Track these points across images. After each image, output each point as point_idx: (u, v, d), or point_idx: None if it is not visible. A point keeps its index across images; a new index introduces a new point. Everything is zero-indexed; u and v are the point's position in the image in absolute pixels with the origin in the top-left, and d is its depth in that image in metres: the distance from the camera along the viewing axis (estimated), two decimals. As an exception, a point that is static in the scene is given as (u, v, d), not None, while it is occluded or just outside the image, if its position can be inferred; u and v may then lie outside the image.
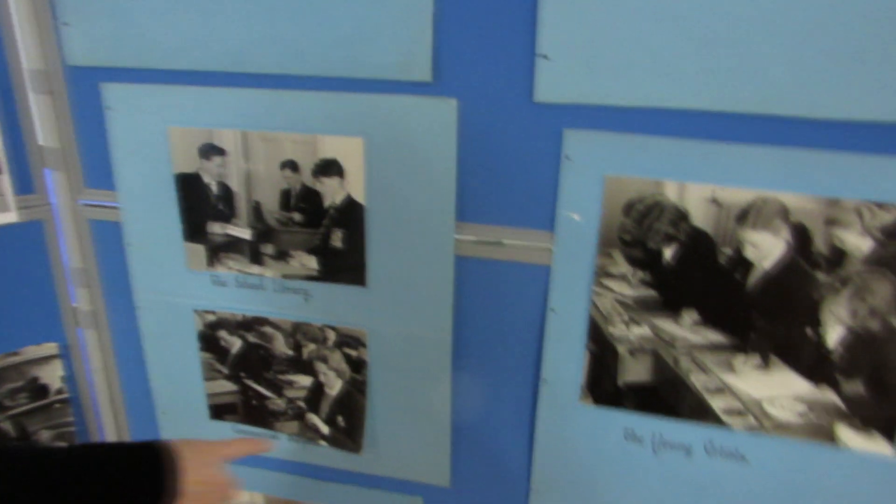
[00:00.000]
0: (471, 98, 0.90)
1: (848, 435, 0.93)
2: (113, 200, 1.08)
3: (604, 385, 1.00)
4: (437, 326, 1.02)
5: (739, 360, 0.93)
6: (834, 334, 0.89)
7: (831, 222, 0.84)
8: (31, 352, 1.15)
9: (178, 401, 1.20)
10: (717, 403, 0.96)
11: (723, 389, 0.95)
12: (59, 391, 1.19)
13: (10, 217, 1.06)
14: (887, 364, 0.88)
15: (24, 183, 1.07)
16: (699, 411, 0.97)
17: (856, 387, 0.91)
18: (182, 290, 1.11)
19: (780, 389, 0.94)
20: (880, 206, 0.82)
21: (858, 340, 0.88)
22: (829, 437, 0.93)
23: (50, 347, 1.17)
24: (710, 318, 0.93)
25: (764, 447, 0.96)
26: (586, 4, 0.82)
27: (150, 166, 1.03)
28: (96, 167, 1.08)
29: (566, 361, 1.00)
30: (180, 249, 1.08)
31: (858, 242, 0.84)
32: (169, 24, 0.96)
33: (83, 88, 1.03)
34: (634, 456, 1.02)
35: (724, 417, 0.96)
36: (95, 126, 1.04)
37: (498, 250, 0.97)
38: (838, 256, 0.86)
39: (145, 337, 1.16)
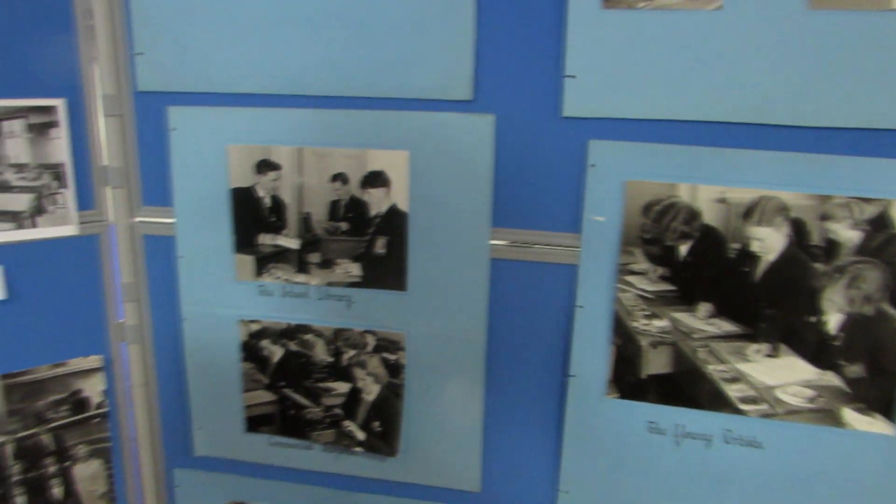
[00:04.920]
0: (505, 114, 1.08)
1: (853, 417, 1.06)
2: (167, 217, 1.23)
3: (627, 378, 1.13)
4: (472, 327, 1.16)
5: (751, 349, 1.08)
6: (834, 321, 1.04)
7: (825, 217, 1.01)
8: (77, 364, 1.26)
9: (215, 415, 1.30)
10: (734, 392, 1.10)
11: (738, 378, 1.09)
12: (99, 405, 1.28)
13: (70, 230, 1.20)
14: (883, 347, 1.04)
15: (86, 198, 1.21)
16: (717, 400, 1.10)
17: (857, 370, 1.05)
18: (229, 300, 1.23)
19: (789, 376, 1.08)
20: (866, 200, 0.99)
21: (856, 326, 1.04)
22: (836, 420, 1.07)
23: (94, 360, 1.27)
24: (723, 310, 1.08)
25: (778, 433, 1.09)
26: (608, 31, 1.02)
27: (208, 182, 1.18)
28: (154, 185, 1.22)
29: (592, 356, 1.13)
30: (230, 261, 1.22)
31: (849, 234, 1.01)
32: (230, 51, 1.14)
33: (149, 112, 1.19)
34: (657, 448, 1.14)
35: (740, 405, 1.09)
36: (156, 147, 1.20)
37: (528, 252, 1.12)
38: (833, 248, 1.02)
39: (188, 350, 1.28)
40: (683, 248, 1.07)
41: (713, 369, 1.10)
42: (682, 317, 1.10)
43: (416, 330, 1.19)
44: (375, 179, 1.14)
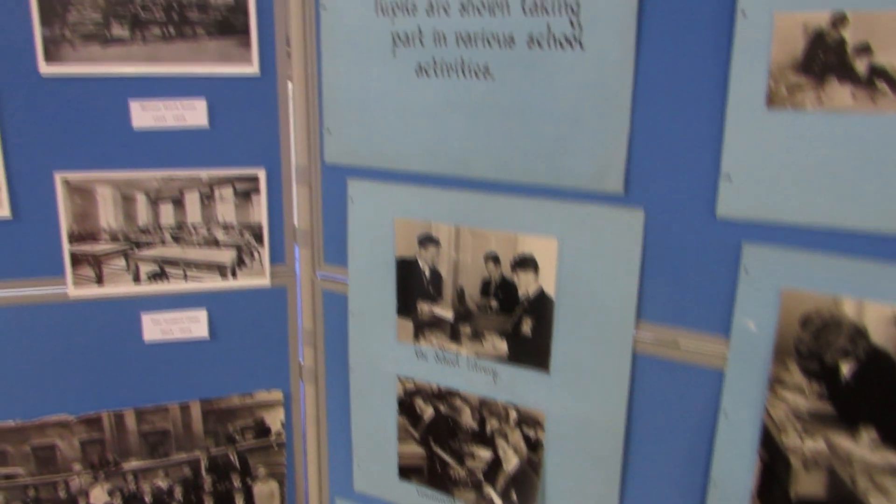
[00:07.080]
0: (656, 210, 1.07)
1: None
2: (343, 275, 1.37)
3: (775, 496, 1.06)
4: (611, 417, 1.16)
5: (923, 489, 0.96)
6: None
7: None
8: (262, 396, 1.45)
9: (373, 457, 1.42)
10: (898, 532, 0.99)
11: (904, 518, 0.98)
12: (278, 434, 1.47)
13: (264, 282, 1.39)
14: None
15: (278, 255, 1.39)
16: (877, 538, 1.00)
17: None
18: (390, 357, 1.35)
19: (969, 527, 0.95)
20: None
21: None
22: None
23: (276, 394, 1.45)
24: (891, 439, 0.97)
25: (951, 588, 0.97)
26: (770, 132, 0.97)
27: (377, 249, 1.30)
28: (334, 247, 1.37)
29: (736, 466, 1.08)
30: (392, 323, 1.33)
31: None
32: (403, 133, 1.25)
33: (333, 182, 1.34)
34: (805, 576, 1.06)
35: (905, 548, 0.98)
36: (338, 214, 1.34)
37: (674, 351, 1.10)
38: None
39: (353, 396, 1.41)
40: (846, 368, 0.99)
41: (875, 502, 1.00)
42: (841, 441, 1.01)
43: (556, 411, 1.21)
44: (525, 263, 1.18)
